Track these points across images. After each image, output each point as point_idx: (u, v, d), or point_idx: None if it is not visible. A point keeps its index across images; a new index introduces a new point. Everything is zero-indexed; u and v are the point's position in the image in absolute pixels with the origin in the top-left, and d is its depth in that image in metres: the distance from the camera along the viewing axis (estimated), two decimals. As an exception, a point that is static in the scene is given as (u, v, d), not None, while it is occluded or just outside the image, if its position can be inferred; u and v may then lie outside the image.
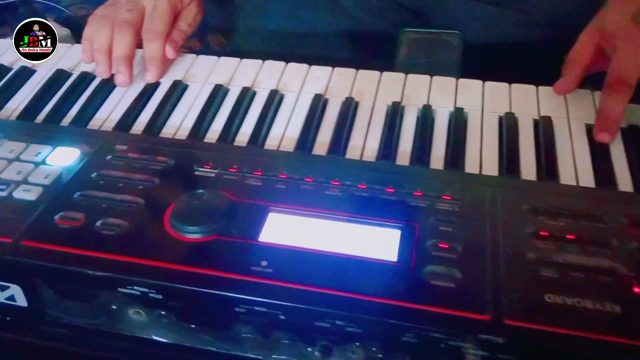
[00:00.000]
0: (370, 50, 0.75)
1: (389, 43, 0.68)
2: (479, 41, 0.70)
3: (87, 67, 0.62)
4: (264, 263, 0.39)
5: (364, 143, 0.52)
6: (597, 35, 0.54)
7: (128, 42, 0.60)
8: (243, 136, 0.54)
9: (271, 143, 0.53)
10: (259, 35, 0.80)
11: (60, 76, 0.61)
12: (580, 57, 0.54)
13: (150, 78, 0.60)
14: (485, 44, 0.71)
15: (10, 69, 0.63)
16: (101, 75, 0.61)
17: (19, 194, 0.45)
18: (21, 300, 0.43)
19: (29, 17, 1.03)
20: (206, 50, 0.93)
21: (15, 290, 0.42)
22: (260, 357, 0.40)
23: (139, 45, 0.62)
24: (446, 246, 0.40)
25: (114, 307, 0.41)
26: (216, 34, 1.00)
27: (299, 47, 0.78)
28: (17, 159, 0.49)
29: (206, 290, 0.37)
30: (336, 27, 0.76)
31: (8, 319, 0.45)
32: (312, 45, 0.77)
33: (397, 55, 0.68)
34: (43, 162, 0.48)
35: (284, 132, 0.54)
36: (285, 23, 0.77)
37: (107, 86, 0.60)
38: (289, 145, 0.52)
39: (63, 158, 0.49)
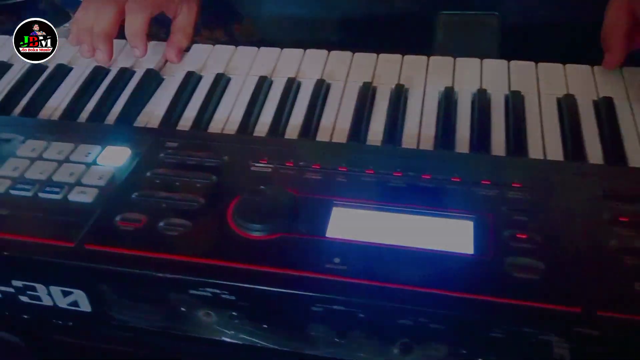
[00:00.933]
0: (406, 34, 0.73)
1: (425, 26, 0.66)
2: (517, 22, 0.68)
3: (125, 63, 0.61)
4: (336, 260, 0.38)
5: (419, 131, 0.51)
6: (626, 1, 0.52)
7: (108, 18, 0.59)
8: (293, 128, 0.52)
9: (322, 134, 0.51)
10: (290, 23, 0.79)
11: (98, 73, 0.60)
12: (615, 27, 0.52)
13: (138, 54, 0.60)
14: (524, 25, 0.69)
15: (45, 67, 0.62)
16: (84, 54, 0.61)
17: (75, 196, 0.44)
18: (85, 306, 0.42)
19: (50, 13, 1.01)
20: (231, 41, 0.92)
21: (79, 295, 0.41)
22: (333, 356, 0.40)
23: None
24: (524, 236, 0.38)
25: (182, 309, 0.40)
26: (241, 23, 0.98)
27: (331, 34, 0.76)
28: (67, 160, 0.48)
29: (284, 290, 0.36)
30: (370, 11, 0.74)
31: (70, 324, 0.44)
32: (345, 31, 0.76)
33: (434, 38, 0.66)
34: (94, 163, 0.47)
35: (335, 123, 0.52)
36: (317, 10, 0.76)
37: (150, 82, 0.58)
38: (341, 136, 0.51)
39: (114, 158, 0.48)
